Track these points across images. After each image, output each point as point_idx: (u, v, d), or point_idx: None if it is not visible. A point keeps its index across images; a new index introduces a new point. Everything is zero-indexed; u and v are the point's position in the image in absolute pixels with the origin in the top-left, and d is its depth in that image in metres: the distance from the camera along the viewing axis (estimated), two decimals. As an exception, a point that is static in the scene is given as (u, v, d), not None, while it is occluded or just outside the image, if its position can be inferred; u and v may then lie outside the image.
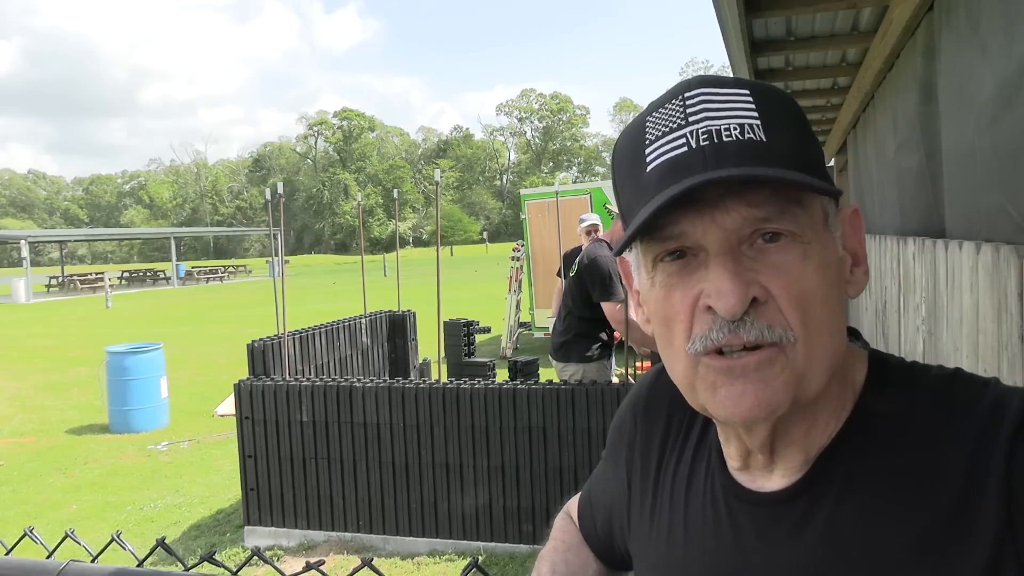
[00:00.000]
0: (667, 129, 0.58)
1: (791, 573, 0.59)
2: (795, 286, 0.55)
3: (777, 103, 0.59)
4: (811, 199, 0.58)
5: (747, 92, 0.58)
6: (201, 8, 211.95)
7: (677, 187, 0.54)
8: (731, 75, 0.62)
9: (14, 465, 6.59)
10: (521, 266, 11.33)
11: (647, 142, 0.59)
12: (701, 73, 0.62)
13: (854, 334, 0.66)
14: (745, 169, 0.54)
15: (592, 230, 5.20)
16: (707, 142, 0.55)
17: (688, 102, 0.57)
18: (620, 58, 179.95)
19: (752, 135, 0.55)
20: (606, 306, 4.20)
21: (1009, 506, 0.51)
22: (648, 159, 0.58)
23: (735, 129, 0.56)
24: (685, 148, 0.56)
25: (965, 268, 1.91)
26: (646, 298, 0.62)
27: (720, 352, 0.56)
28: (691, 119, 0.57)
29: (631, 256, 0.64)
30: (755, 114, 0.56)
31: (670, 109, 0.58)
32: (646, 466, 0.76)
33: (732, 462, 0.66)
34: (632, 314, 4.04)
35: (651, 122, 0.59)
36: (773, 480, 0.63)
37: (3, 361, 12.81)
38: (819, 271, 0.57)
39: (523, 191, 11.71)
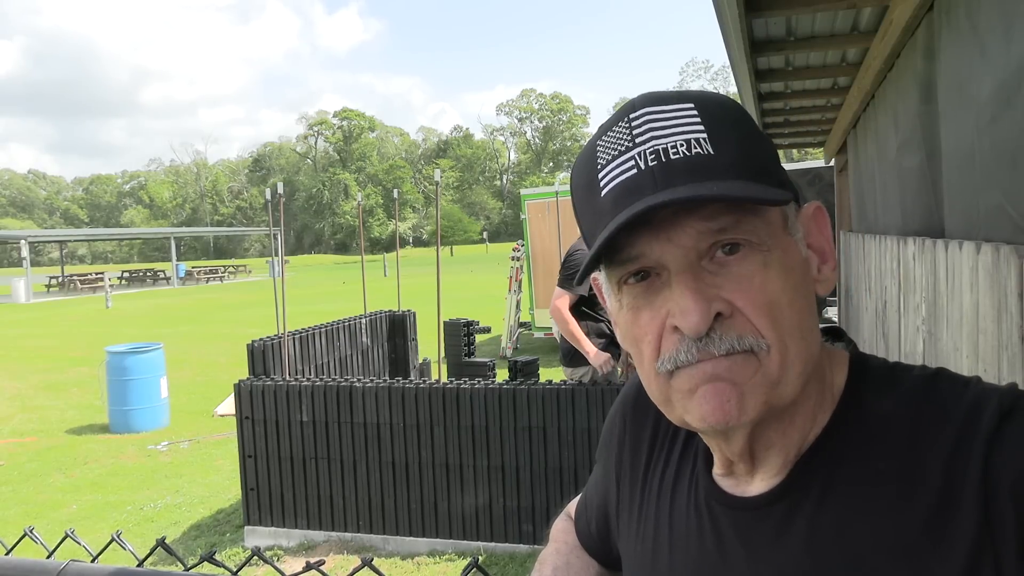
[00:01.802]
0: (616, 152, 0.58)
1: None
2: (759, 295, 0.56)
3: (721, 112, 0.59)
4: (766, 206, 0.58)
5: (691, 106, 0.58)
6: (203, 9, 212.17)
7: (627, 212, 0.55)
8: (676, 89, 0.62)
9: (14, 465, 6.59)
10: (521, 266, 11.34)
11: (599, 167, 0.59)
12: (646, 92, 0.62)
13: (838, 334, 0.66)
14: (692, 187, 0.54)
15: None
16: (655, 162, 0.56)
17: (634, 123, 0.58)
18: (620, 58, 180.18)
19: (699, 149, 0.56)
20: (556, 291, 4.11)
21: (987, 507, 0.51)
22: (601, 184, 0.58)
23: (682, 146, 0.56)
24: (635, 170, 0.56)
25: (965, 268, 1.91)
26: (616, 320, 0.63)
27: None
28: (638, 140, 0.57)
29: (602, 278, 0.65)
30: (701, 127, 0.57)
31: (617, 132, 0.59)
32: (635, 467, 0.76)
33: (717, 468, 0.66)
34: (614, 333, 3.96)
35: (601, 146, 0.60)
36: (754, 484, 0.63)
37: (3, 361, 12.81)
38: (781, 277, 0.57)
39: (523, 191, 11.72)
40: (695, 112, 0.57)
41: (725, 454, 0.64)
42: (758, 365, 0.56)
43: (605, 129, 0.60)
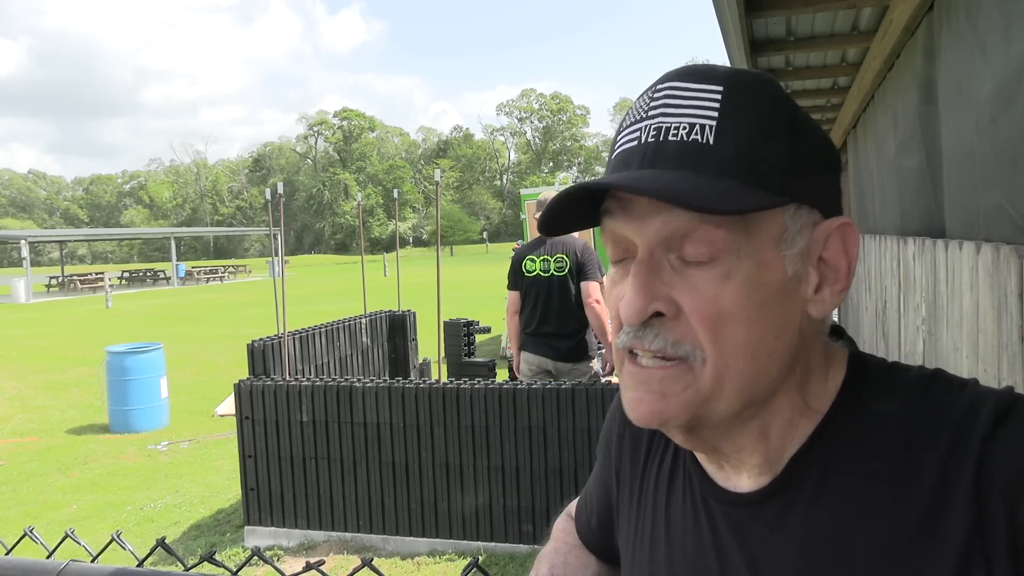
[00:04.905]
0: (633, 119, 0.59)
1: (767, 574, 0.59)
2: (707, 306, 0.54)
3: (752, 101, 0.56)
4: (758, 212, 0.55)
5: (718, 89, 0.56)
6: (205, 9, 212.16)
7: (573, 186, 0.57)
8: (724, 66, 0.60)
9: (14, 465, 6.59)
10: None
11: (621, 128, 0.60)
12: (689, 65, 0.60)
13: (838, 332, 0.66)
14: (654, 174, 0.54)
15: None
16: (652, 139, 0.56)
17: (654, 95, 0.58)
18: (620, 58, 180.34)
19: (698, 136, 0.54)
20: (595, 285, 4.26)
21: (979, 508, 0.51)
22: (616, 146, 0.60)
23: (683, 128, 0.55)
24: (635, 142, 0.57)
25: (965, 268, 1.91)
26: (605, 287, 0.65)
27: (633, 354, 0.58)
28: (650, 113, 0.57)
29: None
30: (713, 113, 0.55)
31: (642, 100, 0.59)
32: (634, 462, 0.76)
33: (699, 454, 0.66)
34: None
35: (631, 109, 0.60)
36: (743, 480, 0.62)
37: (3, 361, 12.81)
38: (744, 291, 0.54)
39: (523, 191, 11.73)
40: (718, 96, 0.55)
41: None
42: (692, 378, 0.55)
43: (642, 92, 0.60)
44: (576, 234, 4.58)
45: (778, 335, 0.56)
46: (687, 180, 0.53)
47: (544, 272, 4.37)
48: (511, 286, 4.54)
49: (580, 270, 4.29)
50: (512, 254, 4.65)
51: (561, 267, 4.33)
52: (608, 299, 0.61)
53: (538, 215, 4.43)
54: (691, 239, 0.54)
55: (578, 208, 0.59)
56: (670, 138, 0.55)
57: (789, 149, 0.56)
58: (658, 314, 0.56)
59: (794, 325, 0.57)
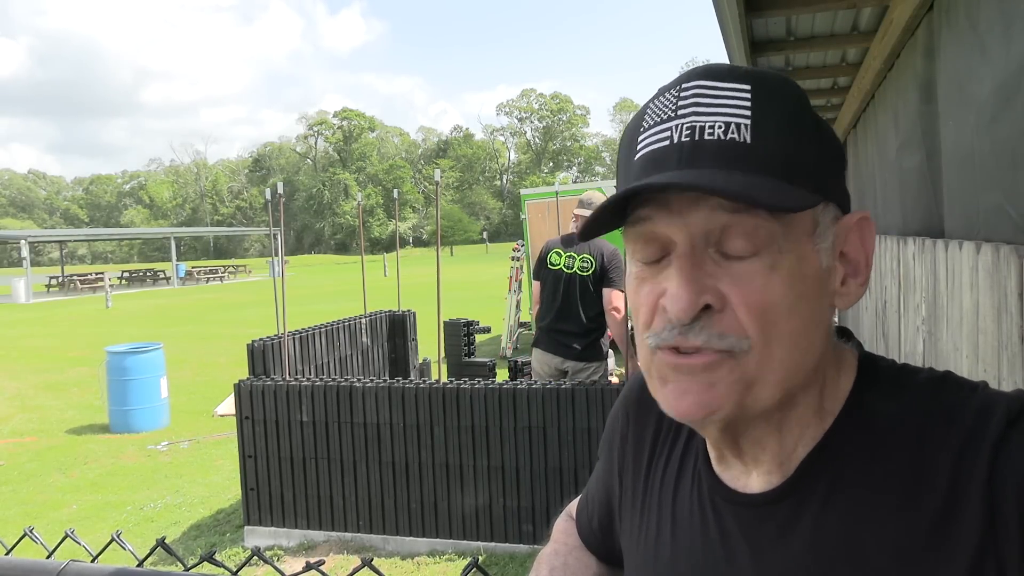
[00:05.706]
0: (658, 119, 0.57)
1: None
2: (755, 296, 0.54)
3: (780, 101, 0.56)
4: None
5: (747, 88, 0.56)
6: (205, 10, 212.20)
7: (637, 184, 0.55)
8: (744, 65, 0.59)
9: (14, 465, 6.59)
10: (521, 266, 11.33)
11: (642, 129, 0.59)
12: (709, 64, 0.59)
13: (846, 334, 0.65)
14: (708, 173, 0.53)
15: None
16: (687, 139, 0.55)
17: (682, 94, 0.57)
18: (620, 57, 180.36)
19: (736, 135, 0.54)
20: (618, 294, 4.25)
21: (991, 512, 0.51)
22: (638, 147, 0.58)
23: (719, 127, 0.55)
24: (667, 142, 0.56)
25: (965, 268, 1.91)
26: (627, 284, 0.64)
27: (676, 349, 0.57)
28: (680, 112, 0.56)
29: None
30: (747, 112, 0.55)
31: (666, 98, 0.58)
32: (637, 462, 0.76)
33: (712, 452, 0.66)
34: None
35: (650, 109, 0.59)
36: (753, 480, 0.62)
37: (3, 361, 12.81)
38: (787, 283, 0.55)
39: (523, 191, 11.72)
40: (748, 95, 0.56)
41: (708, 439, 0.64)
42: (734, 364, 0.55)
43: (660, 92, 0.59)
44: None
45: (816, 326, 0.58)
46: (739, 180, 0.53)
47: (568, 268, 4.39)
48: (534, 276, 4.60)
49: (604, 275, 4.30)
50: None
51: (585, 267, 4.35)
52: (635, 298, 0.60)
53: (579, 212, 4.40)
54: (731, 233, 0.55)
55: (611, 212, 0.58)
56: (706, 137, 0.55)
57: (819, 148, 0.57)
58: (706, 307, 0.55)
59: (827, 317, 0.59)
